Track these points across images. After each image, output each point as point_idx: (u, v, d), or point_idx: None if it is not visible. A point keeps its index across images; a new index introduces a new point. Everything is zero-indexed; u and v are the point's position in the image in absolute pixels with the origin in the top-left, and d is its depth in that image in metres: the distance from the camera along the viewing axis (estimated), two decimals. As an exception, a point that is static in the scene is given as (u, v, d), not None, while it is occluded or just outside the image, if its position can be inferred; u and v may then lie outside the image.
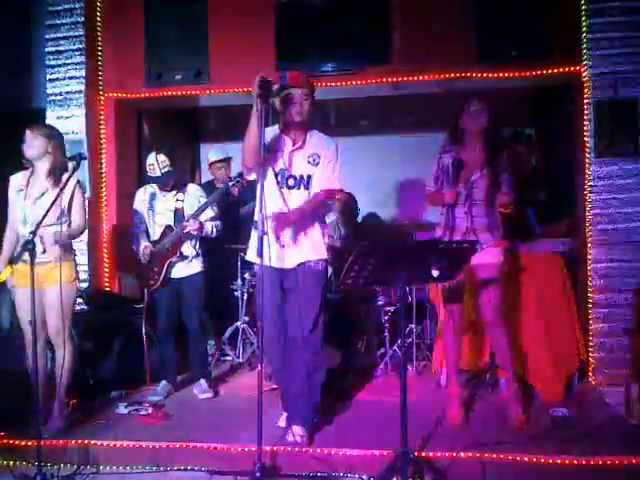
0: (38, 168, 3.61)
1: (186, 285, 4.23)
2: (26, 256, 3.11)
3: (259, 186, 3.16)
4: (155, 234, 4.26)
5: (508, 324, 3.65)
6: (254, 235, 3.33)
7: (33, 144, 3.57)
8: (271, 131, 3.30)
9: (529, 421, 3.53)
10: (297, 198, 3.32)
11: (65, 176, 3.50)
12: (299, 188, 3.33)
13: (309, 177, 3.33)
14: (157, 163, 4.14)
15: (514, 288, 4.04)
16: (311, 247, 3.37)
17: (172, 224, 4.20)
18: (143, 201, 4.29)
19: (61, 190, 3.40)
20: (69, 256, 3.64)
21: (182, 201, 4.24)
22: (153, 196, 4.27)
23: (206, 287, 4.31)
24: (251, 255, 3.45)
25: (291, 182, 3.33)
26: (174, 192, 4.26)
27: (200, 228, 4.11)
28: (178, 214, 4.21)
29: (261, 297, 3.08)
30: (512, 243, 3.85)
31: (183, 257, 4.20)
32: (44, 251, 3.48)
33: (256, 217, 3.20)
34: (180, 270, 4.22)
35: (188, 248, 4.22)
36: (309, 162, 3.33)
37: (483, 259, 3.50)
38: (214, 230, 4.23)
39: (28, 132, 3.58)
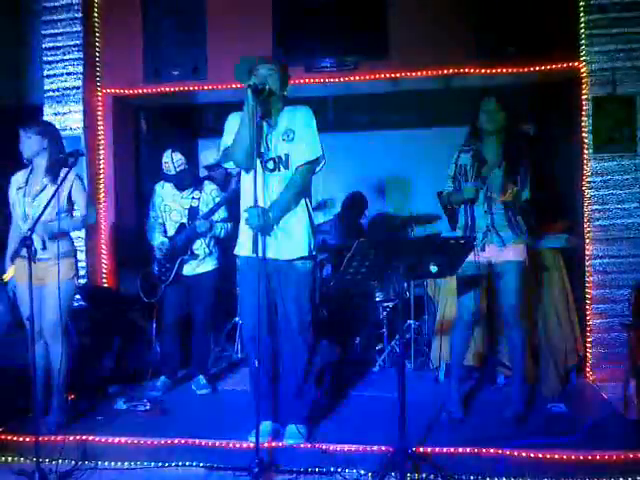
0: (37, 165, 3.60)
1: (197, 283, 4.24)
2: (24, 252, 3.10)
3: (249, 178, 3.14)
4: (170, 230, 4.28)
5: (526, 324, 3.61)
6: (241, 227, 3.28)
7: (28, 143, 3.56)
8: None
9: (527, 417, 3.54)
10: (278, 180, 3.21)
11: (63, 171, 3.50)
12: (279, 170, 3.21)
13: (287, 156, 3.20)
14: (172, 161, 4.14)
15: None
16: (294, 241, 3.23)
17: (186, 222, 4.21)
18: (159, 197, 4.31)
19: (59, 186, 3.39)
20: (69, 253, 3.63)
21: (198, 199, 4.24)
22: (166, 193, 4.29)
23: (219, 285, 4.31)
24: (237, 248, 3.34)
25: (270, 165, 3.21)
26: (190, 190, 4.25)
27: (210, 228, 4.12)
28: (193, 212, 4.22)
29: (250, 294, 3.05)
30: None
31: (194, 255, 4.21)
32: (44, 247, 3.48)
33: (242, 209, 3.21)
34: (192, 268, 4.23)
35: (201, 247, 4.22)
36: (284, 140, 3.21)
37: (506, 256, 3.46)
38: (222, 231, 4.23)
39: (21, 132, 3.57)
